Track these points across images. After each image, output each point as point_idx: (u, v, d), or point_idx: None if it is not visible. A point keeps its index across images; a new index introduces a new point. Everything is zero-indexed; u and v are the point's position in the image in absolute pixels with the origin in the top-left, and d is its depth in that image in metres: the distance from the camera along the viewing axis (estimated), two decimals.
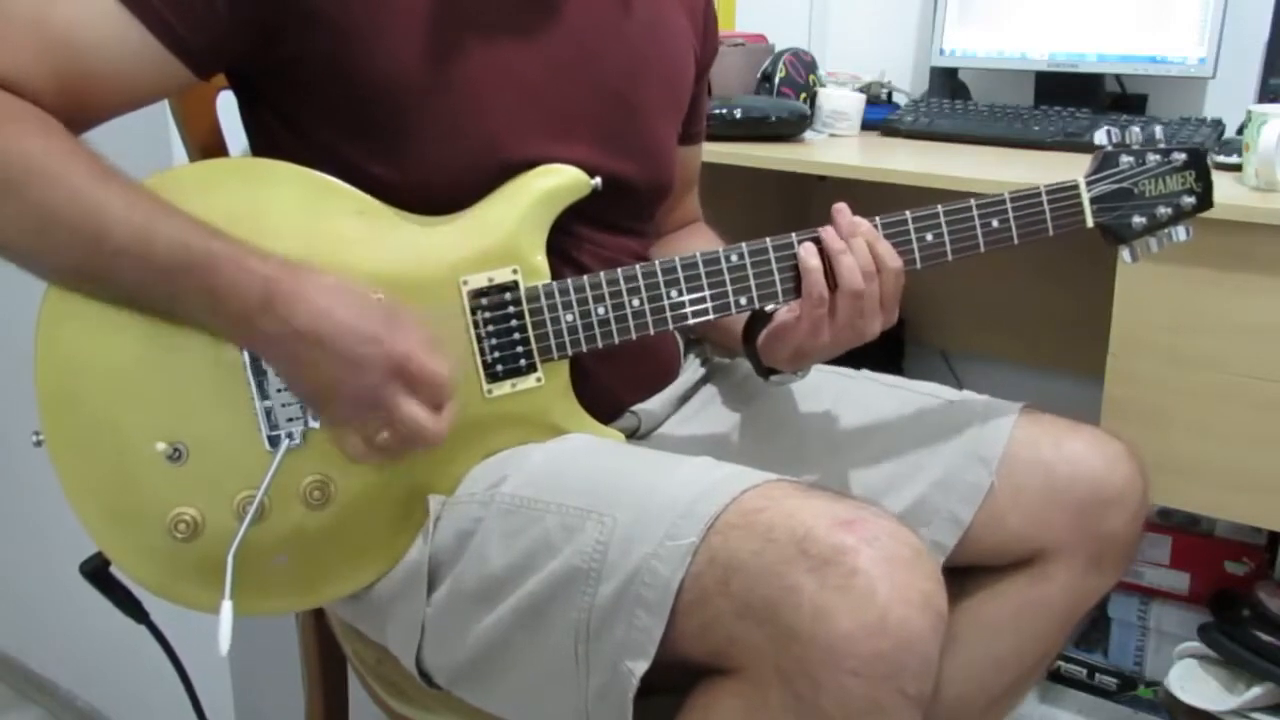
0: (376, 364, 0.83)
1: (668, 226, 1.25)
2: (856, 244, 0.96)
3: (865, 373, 1.18)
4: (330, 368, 0.84)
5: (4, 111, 0.82)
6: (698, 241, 1.23)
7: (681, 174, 1.19)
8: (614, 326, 0.96)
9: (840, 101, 1.76)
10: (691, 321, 0.97)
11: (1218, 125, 1.58)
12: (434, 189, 0.95)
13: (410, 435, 0.85)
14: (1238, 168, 1.34)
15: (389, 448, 0.87)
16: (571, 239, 1.01)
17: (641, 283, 0.96)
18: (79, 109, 0.86)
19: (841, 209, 0.97)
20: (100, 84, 0.86)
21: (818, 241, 0.97)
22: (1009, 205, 1.00)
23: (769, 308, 1.02)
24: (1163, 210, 1.03)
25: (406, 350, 0.84)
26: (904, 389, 1.15)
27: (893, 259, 0.96)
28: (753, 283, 0.97)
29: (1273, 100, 1.56)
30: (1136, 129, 1.04)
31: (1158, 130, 1.04)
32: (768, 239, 0.97)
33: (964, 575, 1.06)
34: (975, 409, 1.09)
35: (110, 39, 0.85)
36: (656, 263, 0.96)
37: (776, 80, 1.78)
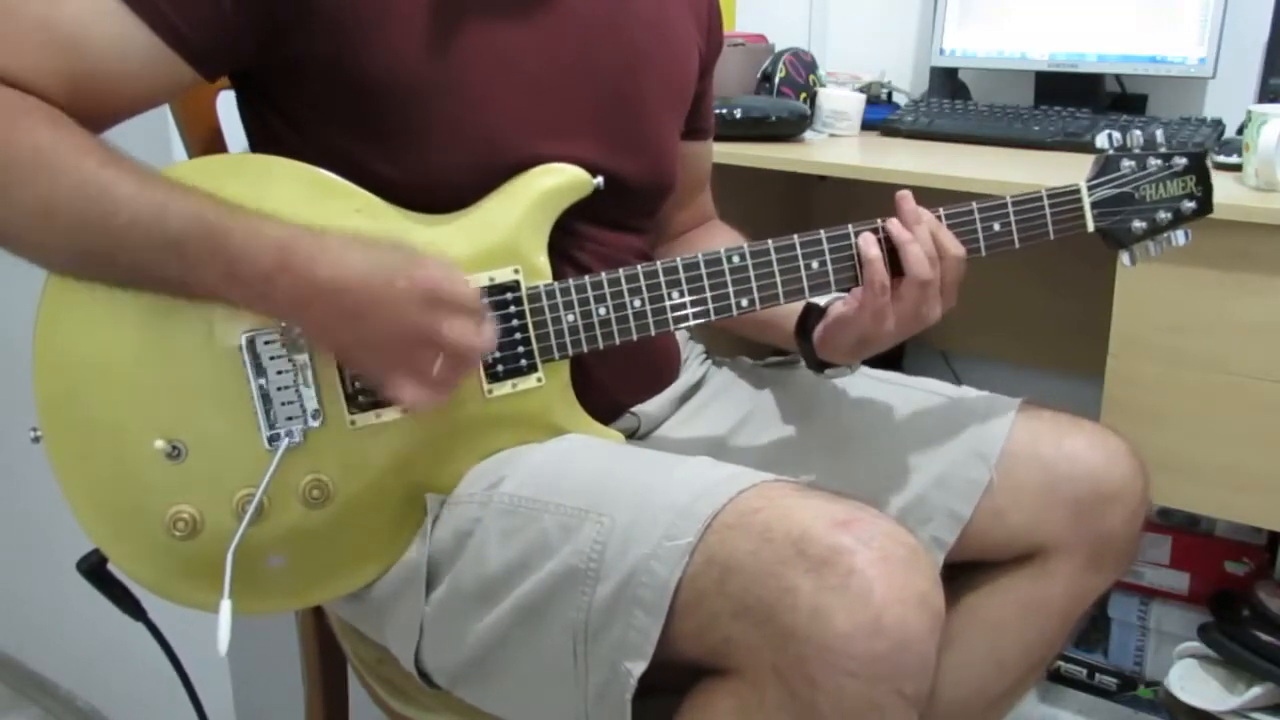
0: (410, 297, 0.83)
1: (683, 225, 1.25)
2: (921, 232, 0.96)
3: (864, 369, 1.18)
4: (365, 315, 0.83)
5: (13, 105, 0.82)
6: (719, 239, 1.23)
7: (693, 171, 1.20)
8: (615, 327, 0.96)
9: (840, 101, 1.76)
10: (693, 323, 0.97)
11: (1218, 125, 1.58)
12: (436, 187, 0.95)
13: (463, 354, 0.85)
14: (1238, 168, 1.34)
15: (445, 378, 0.86)
16: (573, 238, 1.01)
17: (643, 283, 0.96)
18: (88, 111, 0.86)
19: (905, 196, 0.98)
20: (108, 86, 0.86)
21: (877, 231, 0.97)
22: (1010, 209, 1.00)
23: (823, 301, 1.03)
24: (1163, 215, 1.03)
25: (434, 275, 0.83)
26: (902, 386, 1.15)
27: (956, 247, 0.97)
28: (754, 284, 0.97)
29: (1273, 100, 1.56)
30: (1138, 133, 1.03)
31: (1159, 134, 1.04)
32: (769, 241, 0.97)
33: (965, 573, 1.06)
34: (974, 405, 1.09)
35: (116, 41, 0.85)
36: (658, 263, 0.96)
37: (776, 80, 1.78)
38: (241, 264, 0.82)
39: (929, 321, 0.98)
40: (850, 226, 0.98)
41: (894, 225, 0.96)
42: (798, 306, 1.07)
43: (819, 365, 1.07)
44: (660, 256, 1.07)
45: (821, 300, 1.03)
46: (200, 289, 0.85)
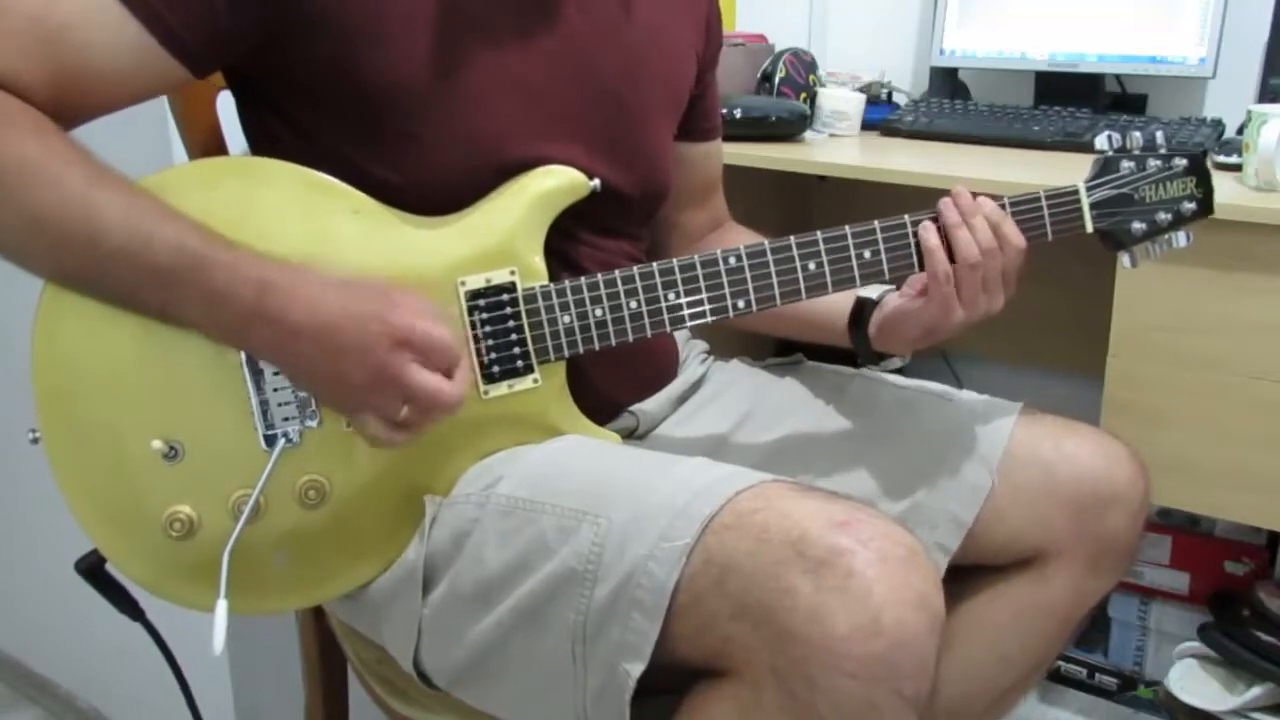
0: (381, 340, 0.83)
1: (700, 229, 1.25)
2: (977, 223, 0.96)
3: (864, 372, 1.18)
4: (336, 357, 0.83)
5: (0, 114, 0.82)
6: (738, 241, 1.23)
7: (704, 171, 1.20)
8: (611, 328, 0.96)
9: (840, 101, 1.76)
10: (689, 324, 0.97)
11: (1218, 125, 1.58)
12: (433, 190, 0.95)
13: (430, 403, 0.85)
14: (1238, 168, 1.33)
15: (411, 422, 0.86)
16: (569, 241, 1.00)
17: (639, 284, 0.96)
18: (73, 104, 0.86)
19: (961, 191, 0.98)
20: (96, 80, 0.86)
21: (935, 220, 0.98)
22: (1009, 210, 1.00)
23: (876, 294, 1.04)
24: (1163, 216, 1.03)
25: (408, 321, 0.83)
26: (903, 388, 1.15)
27: (1017, 238, 0.98)
28: (750, 285, 0.97)
29: (1273, 100, 1.55)
30: (1137, 134, 1.03)
31: (1158, 135, 1.04)
32: (765, 241, 0.97)
33: (965, 576, 1.06)
34: (975, 409, 1.09)
35: (107, 36, 0.85)
36: (654, 265, 0.96)
37: (776, 80, 1.78)
38: (222, 306, 0.83)
39: (993, 310, 0.99)
40: (848, 228, 0.97)
41: (946, 206, 0.97)
42: (843, 301, 1.08)
43: (875, 357, 1.08)
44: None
45: (874, 293, 1.04)
46: (180, 320, 0.86)
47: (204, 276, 0.83)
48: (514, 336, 0.95)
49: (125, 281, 0.84)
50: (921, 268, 0.99)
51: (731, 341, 1.28)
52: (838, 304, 1.08)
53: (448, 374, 0.85)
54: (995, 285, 0.98)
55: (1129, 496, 1.04)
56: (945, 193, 0.98)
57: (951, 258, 0.96)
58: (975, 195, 0.98)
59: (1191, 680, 1.53)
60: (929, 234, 0.97)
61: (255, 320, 0.83)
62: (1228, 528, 1.62)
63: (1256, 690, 1.45)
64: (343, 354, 0.83)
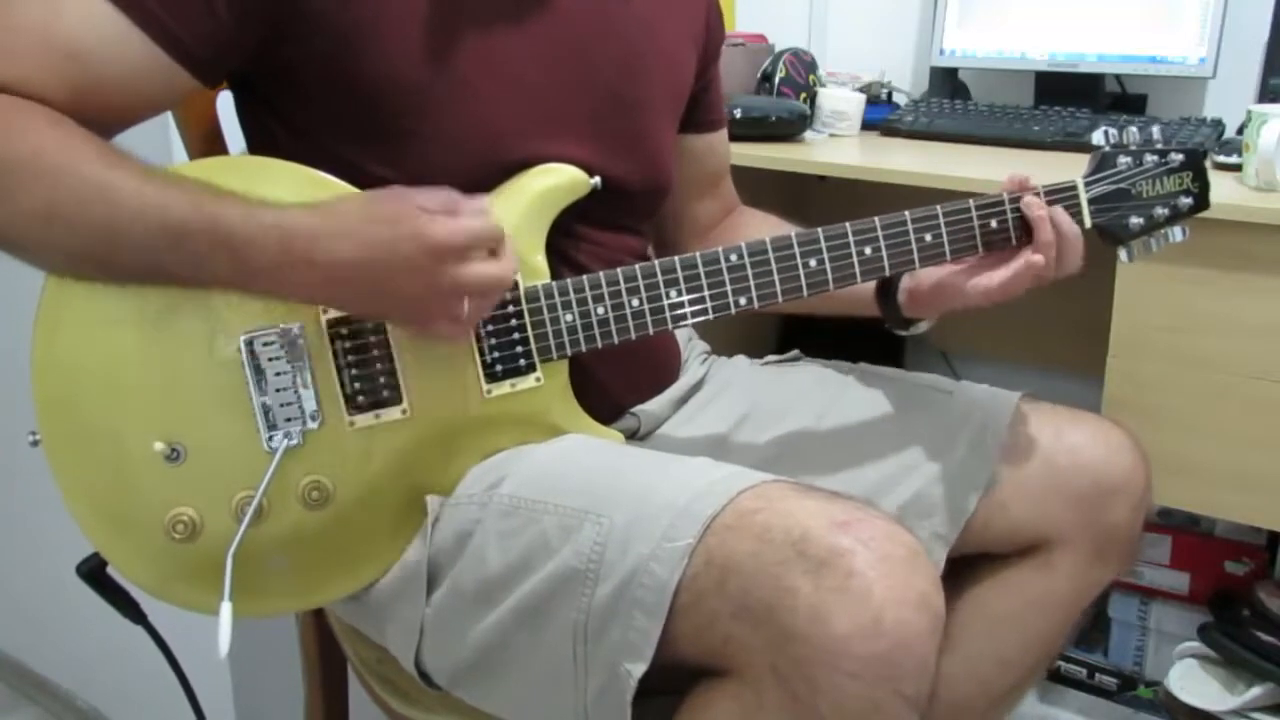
0: (420, 259, 0.83)
1: (711, 218, 1.26)
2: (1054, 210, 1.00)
3: (863, 366, 1.18)
4: (382, 286, 0.84)
5: (12, 108, 0.82)
6: (757, 225, 1.25)
7: (711, 162, 1.20)
8: (613, 326, 0.96)
9: (840, 101, 1.76)
10: (691, 321, 0.97)
11: (1218, 125, 1.58)
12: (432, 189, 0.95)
13: (487, 290, 0.86)
14: (1238, 168, 1.33)
15: (479, 311, 0.88)
16: (570, 239, 1.01)
17: (641, 282, 0.96)
18: (92, 118, 0.86)
19: (1023, 177, 1.01)
20: (108, 93, 0.86)
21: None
22: (1007, 206, 1.00)
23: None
24: (1160, 211, 1.03)
25: (440, 230, 0.83)
26: (903, 381, 1.15)
27: (1069, 226, 1.00)
28: (752, 282, 0.97)
29: (1273, 100, 1.55)
30: (1134, 129, 1.04)
31: (1155, 131, 1.04)
32: (767, 239, 0.97)
33: (969, 567, 1.07)
34: (974, 399, 1.09)
35: (115, 49, 0.85)
36: (656, 263, 0.96)
37: (776, 80, 1.78)
38: (247, 252, 0.82)
39: (1045, 281, 1.01)
40: (848, 225, 0.98)
41: (1027, 205, 0.99)
42: None
43: (904, 323, 1.09)
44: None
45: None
46: (213, 281, 0.85)
47: (222, 231, 0.82)
48: (516, 335, 0.95)
49: (146, 251, 0.83)
50: (922, 264, 0.99)
51: (732, 340, 1.28)
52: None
53: (494, 255, 0.86)
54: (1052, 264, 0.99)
55: (1130, 484, 1.04)
56: (945, 193, 0.99)
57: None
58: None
59: (1191, 680, 1.53)
60: (1035, 206, 0.98)
61: (284, 267, 0.83)
62: (1228, 528, 1.62)
63: (1256, 690, 1.45)
64: (389, 280, 0.84)
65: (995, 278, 1.00)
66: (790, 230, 0.98)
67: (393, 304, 0.86)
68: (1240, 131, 1.39)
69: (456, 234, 0.83)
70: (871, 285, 1.09)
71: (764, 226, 1.21)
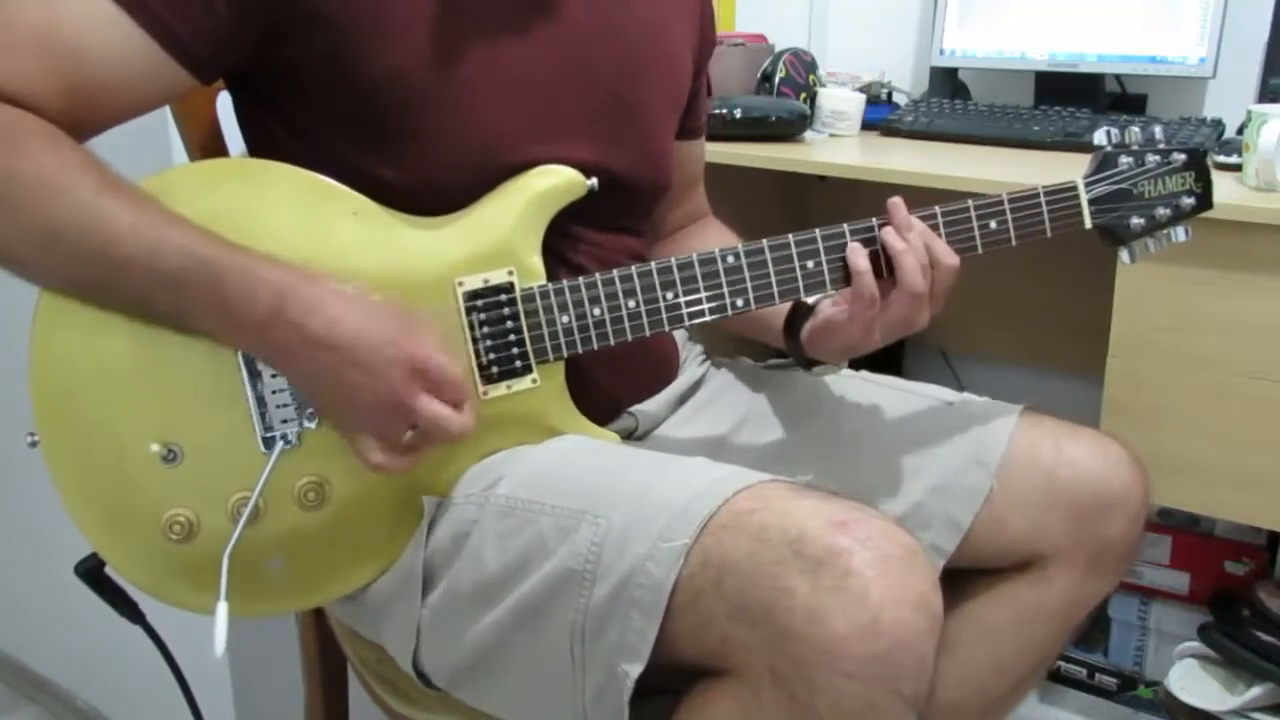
0: (396, 367, 0.84)
1: (676, 223, 1.25)
2: (914, 239, 0.95)
3: (864, 374, 1.18)
4: (349, 374, 0.84)
5: (14, 127, 0.82)
6: (711, 237, 1.23)
7: (686, 169, 1.19)
8: (610, 328, 0.96)
9: (840, 101, 1.76)
10: (688, 323, 0.97)
11: (1218, 125, 1.58)
12: (432, 189, 0.95)
13: (436, 432, 0.86)
14: (1238, 168, 1.33)
15: (415, 447, 0.87)
16: (568, 240, 1.00)
17: (638, 284, 0.96)
18: (84, 117, 0.86)
19: (898, 203, 0.97)
20: (105, 92, 0.86)
21: (871, 242, 0.96)
22: (1007, 206, 1.00)
23: (812, 299, 1.03)
24: (1162, 211, 1.02)
25: (425, 352, 0.84)
26: (903, 390, 1.15)
27: (949, 256, 0.96)
28: (749, 284, 0.97)
29: (1273, 100, 1.55)
30: (1136, 129, 1.03)
31: (1157, 131, 1.04)
32: (764, 241, 0.97)
33: (964, 578, 1.06)
34: (975, 411, 1.09)
35: (114, 47, 0.85)
36: (653, 264, 0.96)
37: (776, 80, 1.78)
38: (237, 312, 0.83)
39: (917, 328, 0.98)
40: (846, 226, 0.97)
41: (889, 234, 0.96)
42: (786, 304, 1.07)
43: (808, 363, 1.07)
44: (653, 255, 1.07)
45: (813, 299, 1.03)
46: (195, 326, 0.86)
47: (214, 282, 0.83)
48: (512, 337, 0.95)
49: (137, 291, 0.84)
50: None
51: (731, 342, 1.28)
52: (782, 308, 1.07)
53: (457, 406, 0.86)
54: (925, 305, 0.97)
55: (1128, 500, 1.04)
56: (945, 193, 0.98)
57: (885, 273, 0.96)
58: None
59: (1191, 680, 1.53)
60: (858, 257, 0.96)
61: (270, 326, 0.83)
62: (1228, 528, 1.61)
63: (1256, 690, 1.45)
64: (356, 373, 0.84)
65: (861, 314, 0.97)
66: (736, 244, 0.97)
67: (346, 393, 0.85)
68: (1240, 131, 1.39)
69: (440, 364, 0.85)
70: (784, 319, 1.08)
71: (717, 239, 1.20)
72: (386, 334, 0.84)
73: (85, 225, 0.82)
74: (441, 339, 0.87)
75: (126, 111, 0.89)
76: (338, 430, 0.90)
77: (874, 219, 0.98)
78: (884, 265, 0.96)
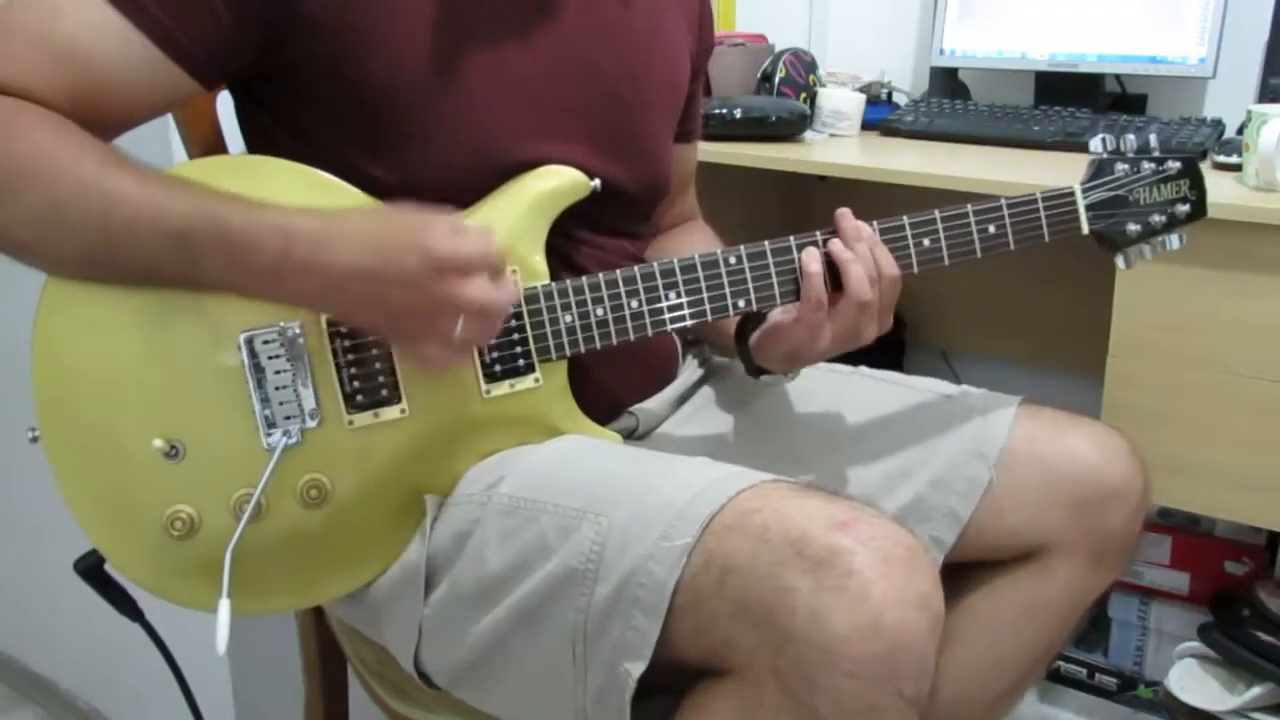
0: (423, 272, 0.82)
1: (664, 224, 1.25)
2: (861, 250, 0.96)
3: (862, 369, 1.18)
4: (379, 295, 0.83)
5: (11, 110, 0.83)
6: (696, 239, 1.24)
7: (678, 172, 1.20)
8: (612, 328, 0.96)
9: (840, 101, 1.76)
10: (689, 324, 0.97)
11: (1218, 125, 1.58)
12: (433, 191, 0.94)
13: (484, 313, 0.85)
14: (1238, 168, 1.34)
15: (471, 337, 0.86)
16: (569, 241, 1.01)
17: (640, 285, 0.96)
18: (92, 119, 0.86)
19: (845, 214, 0.97)
20: (109, 96, 0.87)
21: (820, 246, 0.97)
22: (1005, 212, 1.00)
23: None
24: (1156, 218, 1.03)
25: (445, 245, 0.83)
26: (902, 385, 1.15)
27: (890, 267, 0.96)
28: (750, 286, 0.97)
29: (1273, 100, 1.56)
30: (1131, 136, 1.04)
31: (1152, 138, 1.05)
32: (766, 243, 0.97)
33: (965, 573, 1.06)
34: (974, 404, 1.09)
35: (116, 53, 0.85)
36: (655, 265, 0.96)
37: (776, 80, 1.78)
38: (247, 254, 0.83)
39: (864, 341, 0.98)
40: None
41: (836, 244, 0.96)
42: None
43: (756, 371, 1.06)
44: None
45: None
46: (210, 282, 0.85)
47: (222, 231, 0.82)
48: (515, 336, 0.95)
49: (145, 251, 0.83)
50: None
51: None
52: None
53: (495, 277, 0.86)
54: (872, 318, 0.97)
55: (1129, 491, 1.04)
56: (945, 193, 0.98)
57: (836, 287, 0.95)
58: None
59: (1191, 680, 1.53)
60: (811, 260, 0.96)
61: (283, 271, 0.83)
62: (1228, 528, 1.62)
63: (1256, 690, 1.45)
64: (386, 291, 0.83)
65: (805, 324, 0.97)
66: (717, 248, 0.97)
67: (386, 316, 0.85)
68: (1240, 131, 1.39)
69: (460, 250, 0.83)
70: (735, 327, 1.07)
71: (699, 242, 1.20)
72: (400, 244, 0.83)
73: (89, 195, 0.82)
74: (454, 224, 0.85)
75: (135, 115, 0.90)
76: (401, 346, 0.89)
77: (818, 232, 0.97)
78: (828, 277, 0.96)
